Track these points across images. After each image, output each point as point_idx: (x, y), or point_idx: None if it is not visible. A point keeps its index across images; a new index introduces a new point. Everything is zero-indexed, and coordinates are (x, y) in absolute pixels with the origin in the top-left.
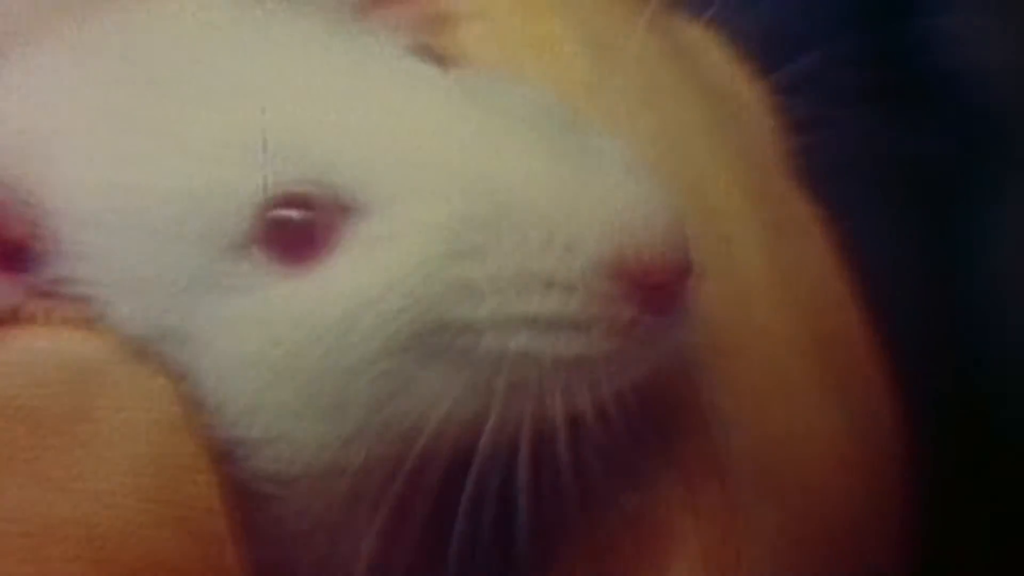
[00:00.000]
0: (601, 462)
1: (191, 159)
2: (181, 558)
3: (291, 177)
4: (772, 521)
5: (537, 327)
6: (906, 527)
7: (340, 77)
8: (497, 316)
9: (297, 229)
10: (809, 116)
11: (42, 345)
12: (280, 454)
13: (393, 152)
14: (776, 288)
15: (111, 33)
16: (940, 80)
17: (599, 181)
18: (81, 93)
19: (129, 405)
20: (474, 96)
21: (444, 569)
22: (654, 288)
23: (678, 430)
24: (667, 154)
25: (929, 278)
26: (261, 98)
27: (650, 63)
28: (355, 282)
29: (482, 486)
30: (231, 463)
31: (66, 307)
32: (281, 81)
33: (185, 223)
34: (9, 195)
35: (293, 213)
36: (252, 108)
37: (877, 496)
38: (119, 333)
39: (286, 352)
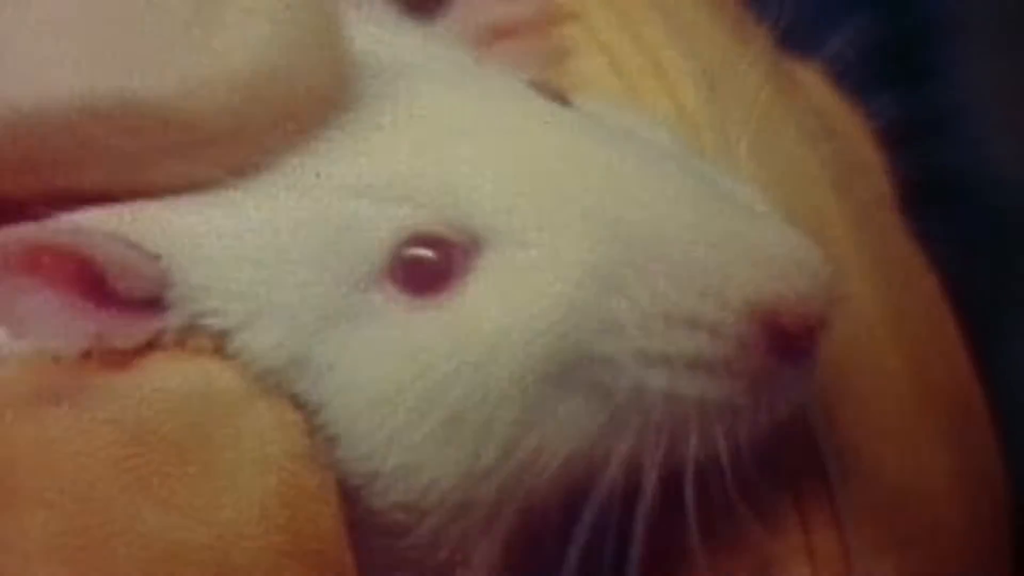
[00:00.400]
0: (722, 505)
1: (328, 195)
2: None
3: (426, 216)
4: (889, 570)
5: (679, 367)
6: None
7: (473, 117)
8: (640, 352)
9: (430, 266)
10: None
11: (180, 374)
12: (416, 486)
13: (529, 188)
14: (889, 330)
15: None
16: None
17: (747, 225)
18: None
19: (262, 437)
20: (607, 134)
21: None
22: (797, 337)
23: (798, 475)
24: (785, 193)
25: None
26: (398, 137)
27: (763, 98)
28: (497, 314)
29: (601, 519)
30: (364, 496)
31: (201, 338)
32: (417, 121)
33: (320, 257)
34: (132, 254)
35: (426, 252)
36: (388, 147)
37: (990, 544)
38: (254, 366)
39: (428, 385)
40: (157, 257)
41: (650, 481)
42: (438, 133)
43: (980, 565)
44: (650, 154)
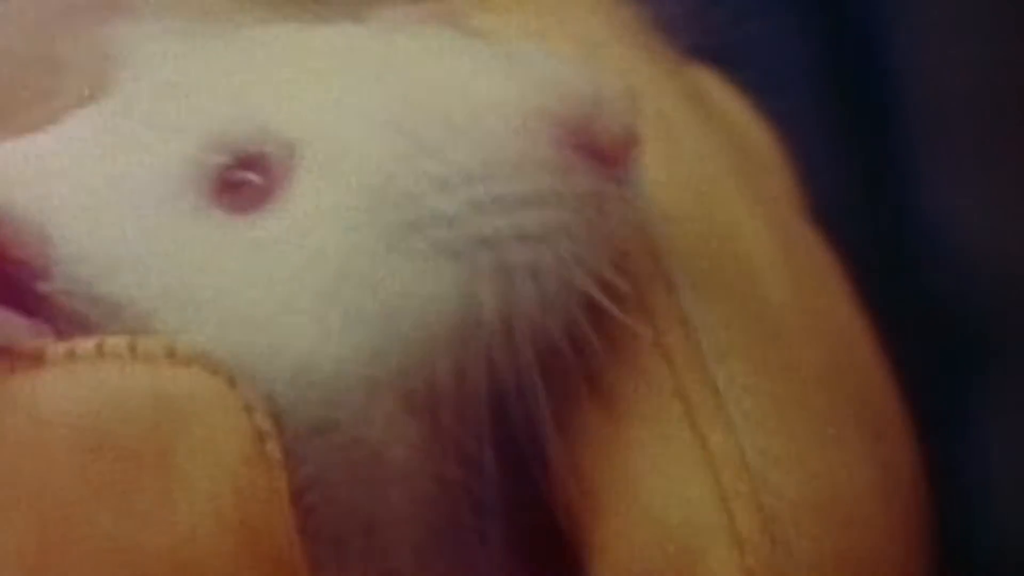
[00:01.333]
0: None
1: (153, 136)
2: None
3: (237, 137)
4: (810, 553)
5: (509, 207)
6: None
7: (280, 53)
8: (470, 202)
9: (251, 184)
10: None
11: (135, 382)
12: (322, 375)
13: (327, 87)
14: (805, 329)
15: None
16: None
17: (541, 71)
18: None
19: (215, 443)
20: (407, 31)
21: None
22: (608, 155)
23: (721, 467)
24: (698, 198)
25: None
26: (207, 78)
27: (669, 105)
28: (325, 198)
29: (495, 380)
30: (292, 409)
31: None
32: (224, 64)
33: (150, 193)
34: (8, 215)
35: (244, 174)
36: (198, 86)
37: (905, 532)
38: (128, 311)
39: (285, 277)
40: (35, 224)
41: (522, 327)
42: (248, 69)
43: (897, 560)
44: (453, 40)
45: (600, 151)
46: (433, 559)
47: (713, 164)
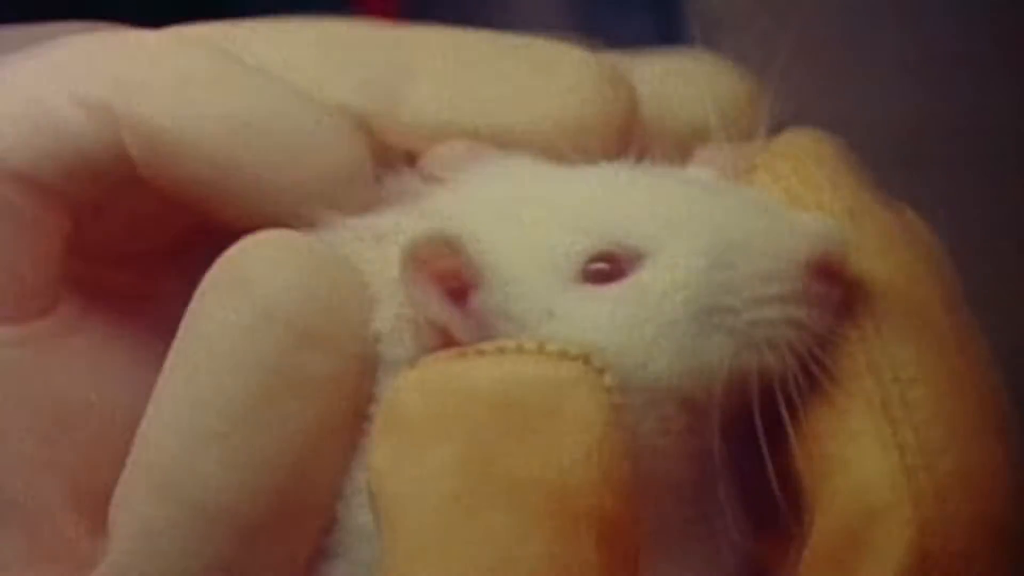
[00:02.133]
0: None
1: (550, 215)
2: (612, 509)
3: (599, 239)
4: (963, 510)
5: (773, 303)
6: None
7: (632, 178)
8: (750, 299)
9: (606, 272)
10: None
11: (534, 368)
12: (646, 377)
13: (665, 216)
14: (961, 357)
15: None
16: None
17: (794, 216)
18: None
19: (585, 409)
20: (713, 183)
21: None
22: (834, 274)
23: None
24: (900, 280)
25: None
26: (581, 192)
27: (889, 228)
28: (659, 285)
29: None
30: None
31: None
32: (593, 185)
33: (540, 261)
34: (465, 247)
35: (603, 265)
36: (577, 198)
37: None
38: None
39: (646, 332)
40: (475, 259)
41: (791, 367)
42: (608, 190)
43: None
44: (745, 195)
45: (828, 271)
46: (677, 508)
47: (911, 262)
